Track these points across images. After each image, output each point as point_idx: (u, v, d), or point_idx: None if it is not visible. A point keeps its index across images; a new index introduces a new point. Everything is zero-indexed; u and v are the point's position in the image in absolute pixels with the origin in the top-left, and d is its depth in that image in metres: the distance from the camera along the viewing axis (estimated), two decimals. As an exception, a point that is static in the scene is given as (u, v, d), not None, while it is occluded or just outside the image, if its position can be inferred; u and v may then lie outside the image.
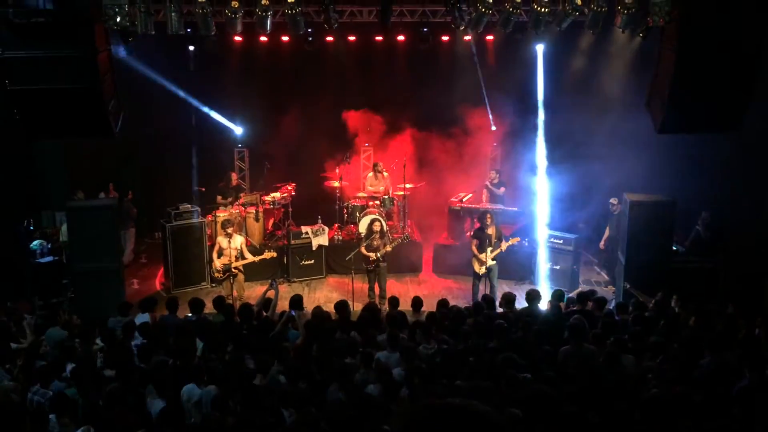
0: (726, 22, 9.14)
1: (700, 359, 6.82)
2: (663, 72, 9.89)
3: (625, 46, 11.78)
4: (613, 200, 11.86)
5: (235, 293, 10.84)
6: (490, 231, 10.90)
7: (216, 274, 10.86)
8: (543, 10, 9.36)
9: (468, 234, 12.97)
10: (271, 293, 8.74)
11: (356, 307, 10.07)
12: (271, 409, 5.74)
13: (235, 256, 10.81)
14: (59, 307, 9.44)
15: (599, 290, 10.86)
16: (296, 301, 8.61)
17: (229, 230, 10.84)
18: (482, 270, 10.93)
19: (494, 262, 10.92)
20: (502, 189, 13.13)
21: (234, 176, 13.57)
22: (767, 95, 10.09)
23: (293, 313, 7.97)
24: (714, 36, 9.22)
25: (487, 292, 10.73)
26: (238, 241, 10.96)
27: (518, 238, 11.46)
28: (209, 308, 9.02)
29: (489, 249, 10.86)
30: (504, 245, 10.93)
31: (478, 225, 11.26)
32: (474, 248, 10.99)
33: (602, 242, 12.47)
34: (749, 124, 9.86)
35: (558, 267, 11.94)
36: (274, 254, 11.30)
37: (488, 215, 11.03)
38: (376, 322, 8.12)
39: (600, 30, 9.83)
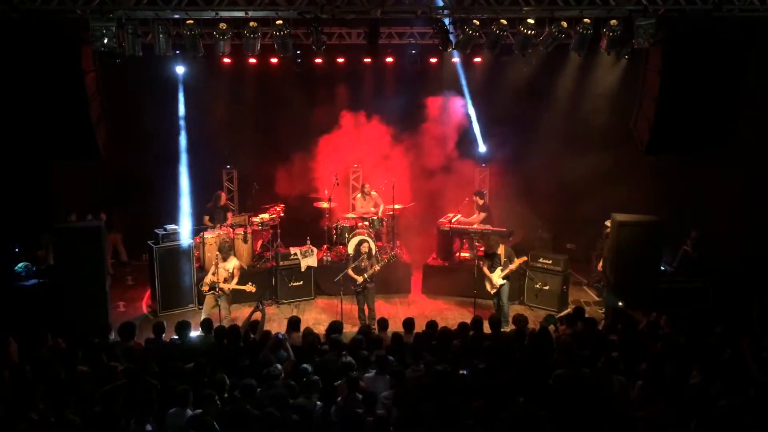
0: (710, 43, 9.25)
1: (689, 379, 6.81)
2: (648, 94, 10.00)
3: (611, 67, 11.90)
4: (608, 222, 11.88)
5: (222, 314, 10.74)
6: (500, 251, 11.09)
7: (203, 288, 10.78)
8: (529, 32, 9.45)
9: (457, 255, 13.00)
10: (257, 315, 8.67)
11: (346, 328, 9.99)
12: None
13: (225, 278, 10.74)
14: (45, 330, 9.29)
15: (588, 310, 10.86)
16: (293, 323, 8.55)
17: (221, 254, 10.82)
18: (494, 290, 11.10)
19: (505, 281, 11.07)
20: (483, 214, 13.07)
21: (223, 196, 13.52)
22: (755, 115, 10.22)
23: (281, 336, 7.89)
24: (699, 58, 9.33)
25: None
26: (231, 264, 10.85)
27: (525, 258, 11.55)
28: (196, 330, 8.93)
29: (499, 268, 11.04)
30: (514, 264, 11.12)
31: (482, 247, 11.52)
32: (485, 269, 11.14)
33: (599, 264, 12.48)
34: (736, 143, 9.95)
35: (547, 288, 11.92)
36: (253, 288, 11.05)
37: (493, 238, 11.26)
38: (367, 344, 8.05)
39: (586, 52, 9.92)
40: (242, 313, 10.98)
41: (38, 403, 6.50)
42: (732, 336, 7.90)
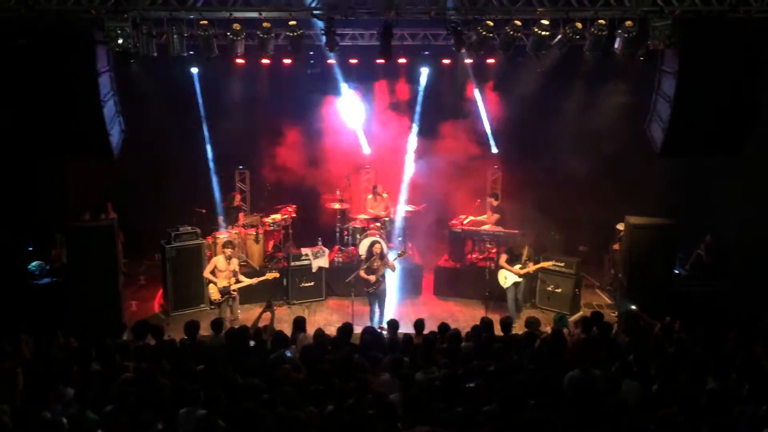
0: (727, 45, 9.15)
1: (704, 385, 6.74)
2: (662, 96, 9.90)
3: (625, 69, 11.80)
4: (620, 226, 11.82)
5: (229, 315, 10.79)
6: (523, 251, 11.47)
7: (214, 297, 10.78)
8: (543, 33, 9.38)
9: (469, 256, 12.97)
10: (267, 315, 8.68)
11: (357, 330, 9.98)
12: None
13: (235, 280, 10.77)
14: (57, 329, 9.34)
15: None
16: (298, 323, 8.54)
17: (228, 252, 10.82)
18: (506, 284, 11.40)
19: (521, 279, 11.38)
20: (497, 216, 13.06)
21: (237, 197, 13.59)
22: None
23: (288, 354, 7.77)
24: (714, 60, 9.23)
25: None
26: (235, 263, 10.93)
27: (551, 263, 11.76)
28: (205, 330, 8.94)
29: (518, 266, 11.36)
30: (532, 267, 11.43)
31: (494, 249, 12.03)
32: (503, 262, 11.48)
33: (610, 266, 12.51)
34: (750, 147, 9.84)
35: (560, 290, 11.86)
36: (277, 274, 11.27)
37: (520, 239, 11.72)
38: (378, 345, 8.03)
39: (600, 53, 9.84)
40: (252, 314, 10.99)
41: (52, 402, 6.54)
42: (746, 340, 7.83)
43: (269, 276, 11.12)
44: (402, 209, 13.39)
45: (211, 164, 13.99)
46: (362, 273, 10.99)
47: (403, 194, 13.23)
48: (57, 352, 7.95)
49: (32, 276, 10.96)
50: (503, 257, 11.54)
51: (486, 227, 12.76)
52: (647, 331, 8.54)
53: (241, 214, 13.32)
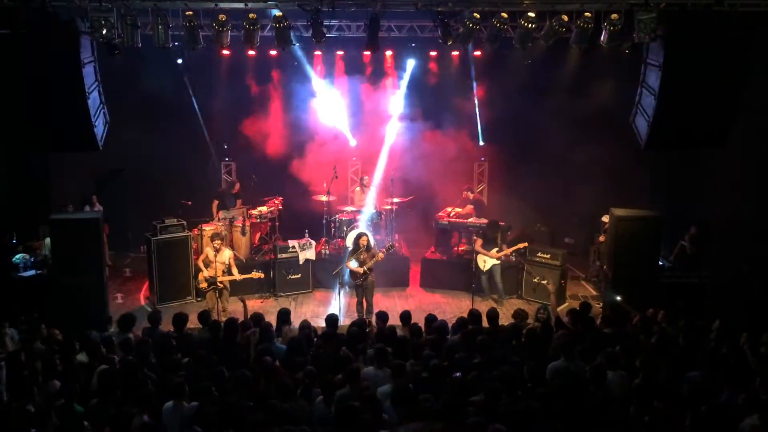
0: (711, 38, 9.22)
1: (686, 376, 6.80)
2: (648, 88, 9.96)
3: (611, 62, 11.86)
4: (605, 217, 11.91)
5: (219, 306, 10.76)
6: (496, 235, 11.93)
7: (201, 285, 10.77)
8: (530, 26, 9.41)
9: (455, 249, 13.02)
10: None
11: (344, 321, 10.01)
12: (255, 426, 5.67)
13: (223, 271, 10.74)
14: (40, 321, 9.29)
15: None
16: (283, 315, 8.54)
17: (216, 244, 10.79)
18: (486, 267, 11.80)
19: (498, 261, 11.82)
20: (470, 207, 13.22)
21: (237, 184, 13.64)
22: (755, 110, 10.20)
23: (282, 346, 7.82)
24: (699, 53, 9.30)
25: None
26: (226, 255, 10.89)
27: (526, 243, 12.01)
28: (193, 322, 8.93)
29: (495, 249, 11.81)
30: (507, 249, 11.83)
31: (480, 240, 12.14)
32: (478, 247, 11.91)
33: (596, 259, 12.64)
34: (736, 139, 9.93)
35: (545, 282, 11.92)
36: (262, 275, 11.21)
37: (493, 222, 12.15)
38: (364, 337, 8.05)
39: (586, 46, 9.88)
40: (237, 306, 10.95)
41: (35, 395, 6.51)
42: (729, 331, 7.91)
43: (255, 275, 11.07)
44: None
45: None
46: (349, 265, 11.00)
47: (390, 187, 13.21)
48: (41, 345, 7.90)
49: (16, 268, 10.87)
50: (478, 242, 11.99)
51: (471, 219, 12.85)
52: (628, 322, 8.61)
53: (239, 201, 13.32)
